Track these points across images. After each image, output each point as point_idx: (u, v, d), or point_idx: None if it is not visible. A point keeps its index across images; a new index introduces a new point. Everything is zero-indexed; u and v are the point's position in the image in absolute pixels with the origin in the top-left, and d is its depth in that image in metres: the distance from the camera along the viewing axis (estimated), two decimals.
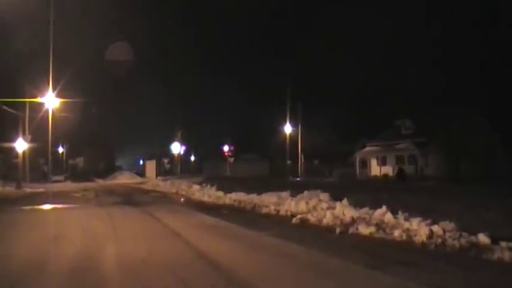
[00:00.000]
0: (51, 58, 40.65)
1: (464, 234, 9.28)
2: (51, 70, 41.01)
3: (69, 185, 48.14)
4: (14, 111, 44.80)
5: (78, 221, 15.07)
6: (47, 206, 21.15)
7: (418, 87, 46.77)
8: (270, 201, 17.98)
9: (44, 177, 59.86)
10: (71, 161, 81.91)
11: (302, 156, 61.10)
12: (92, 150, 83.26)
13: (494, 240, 8.63)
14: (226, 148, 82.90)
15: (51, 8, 40.62)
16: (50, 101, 43.45)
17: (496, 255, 7.99)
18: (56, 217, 17.11)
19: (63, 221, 15.23)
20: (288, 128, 60.99)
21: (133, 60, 53.72)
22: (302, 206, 15.31)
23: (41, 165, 66.18)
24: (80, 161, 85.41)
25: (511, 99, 37.74)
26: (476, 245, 8.74)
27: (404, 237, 10.04)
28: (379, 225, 11.33)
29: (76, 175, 72.40)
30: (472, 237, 9.04)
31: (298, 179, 52.29)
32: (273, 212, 16.21)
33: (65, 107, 47.11)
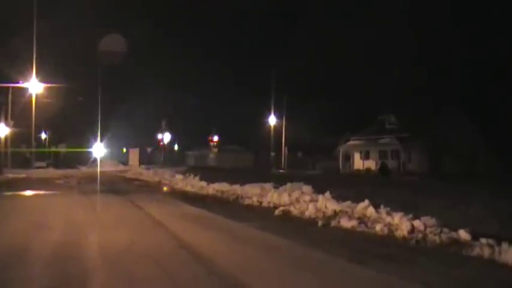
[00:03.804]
0: (34, 42, 40.27)
1: (445, 230, 9.36)
2: (34, 55, 40.65)
3: (51, 172, 47.76)
4: None
5: (60, 208, 14.97)
6: (28, 192, 20.99)
7: (402, 84, 46.96)
8: (253, 193, 17.99)
9: (26, 163, 59.31)
10: (53, 148, 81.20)
11: (286, 148, 61.17)
12: (75, 138, 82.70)
13: (475, 237, 8.71)
14: (216, 138, 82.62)
15: None
16: (34, 86, 43.05)
17: (476, 251, 8.06)
18: (38, 204, 16.98)
19: (45, 208, 15.14)
20: (272, 120, 60.97)
21: (124, 51, 53.18)
22: (285, 198, 15.34)
23: (23, 152, 65.60)
24: (62, 147, 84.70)
25: (496, 99, 38.00)
26: (456, 241, 8.82)
27: (386, 231, 10.10)
28: (361, 219, 11.39)
29: (59, 162, 71.82)
30: (453, 233, 9.12)
31: (281, 170, 52.34)
32: (256, 204, 16.23)
33: (50, 92, 46.70)
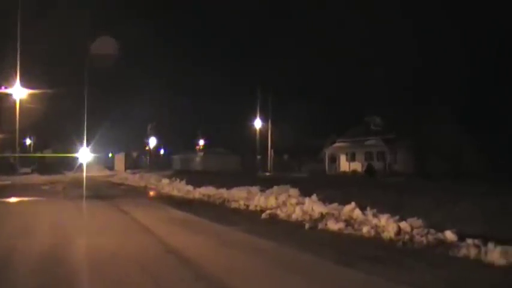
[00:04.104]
0: (18, 47, 39.91)
1: (432, 231, 9.41)
2: (18, 60, 40.29)
3: (36, 178, 47.29)
4: None
5: (46, 214, 14.85)
6: (13, 199, 20.78)
7: (387, 84, 47.19)
8: (239, 196, 17.96)
9: (11, 169, 58.79)
10: (38, 153, 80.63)
11: (272, 151, 61.18)
12: (59, 143, 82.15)
13: (461, 237, 8.75)
14: (201, 142, 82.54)
15: None
16: (18, 91, 42.71)
17: (462, 252, 8.11)
18: (23, 210, 16.81)
19: (30, 214, 15.00)
20: (258, 123, 60.97)
21: (113, 54, 52.86)
22: (271, 201, 15.33)
23: (8, 157, 65.04)
24: (48, 153, 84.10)
25: (482, 99, 38.27)
26: (443, 242, 8.86)
27: (372, 233, 10.13)
28: (348, 221, 11.41)
29: (44, 167, 71.27)
30: (439, 234, 9.16)
31: (267, 173, 52.34)
32: (243, 207, 16.21)
33: (34, 97, 46.36)
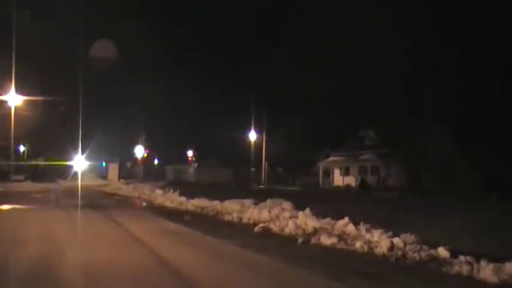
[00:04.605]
0: (13, 53, 39.80)
1: (425, 247, 9.40)
2: (13, 66, 40.14)
3: (29, 185, 47.08)
4: None
5: (37, 224, 14.77)
6: (5, 207, 20.69)
7: (382, 98, 47.22)
8: (232, 209, 17.92)
9: (4, 177, 58.56)
10: (32, 161, 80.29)
11: (266, 163, 61.15)
12: (53, 151, 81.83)
13: (453, 254, 8.74)
14: (190, 153, 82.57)
15: None
16: (13, 99, 42.61)
17: (455, 269, 8.10)
18: (14, 219, 16.74)
19: (22, 223, 14.93)
20: (252, 135, 60.99)
21: (108, 59, 52.67)
22: (265, 215, 15.29)
23: (1, 165, 64.85)
24: (41, 161, 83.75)
25: (473, 112, 38.38)
26: (435, 258, 8.86)
27: (365, 248, 10.11)
28: (341, 236, 11.39)
29: (37, 175, 70.97)
30: (432, 251, 9.15)
31: (261, 186, 52.27)
32: (236, 220, 16.16)
33: (29, 105, 46.28)
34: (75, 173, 60.04)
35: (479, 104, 37.60)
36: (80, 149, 49.97)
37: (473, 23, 37.86)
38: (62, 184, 53.49)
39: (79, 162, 56.63)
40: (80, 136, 45.10)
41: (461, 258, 8.39)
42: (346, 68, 56.12)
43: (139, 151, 75.52)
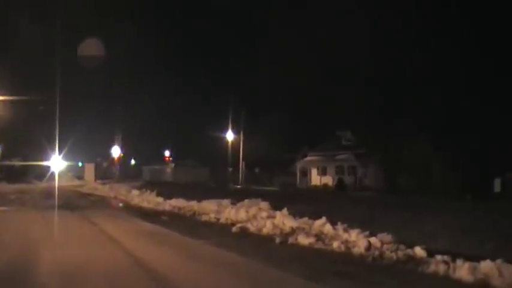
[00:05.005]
0: None
1: (401, 246, 9.43)
2: None
3: (4, 187, 46.51)
4: None
5: (12, 225, 14.62)
6: None
7: (358, 99, 47.50)
8: (210, 209, 17.86)
9: None
10: (7, 161, 79.24)
11: (243, 163, 61.11)
12: (29, 151, 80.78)
13: (430, 253, 8.79)
14: (167, 153, 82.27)
15: None
16: None
17: (432, 268, 8.14)
18: None
19: None
20: (230, 135, 60.92)
21: (84, 63, 52.02)
22: (242, 215, 15.26)
23: None
24: (16, 161, 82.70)
25: (452, 115, 38.91)
26: (412, 258, 8.90)
27: (343, 248, 10.13)
28: (319, 236, 11.40)
29: (12, 176, 70.04)
30: (409, 250, 9.19)
31: (238, 186, 52.20)
32: (213, 220, 16.10)
33: (2, 104, 45.65)
34: (52, 174, 59.41)
35: (456, 108, 38.13)
36: (57, 149, 49.36)
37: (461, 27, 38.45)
38: (38, 185, 52.86)
39: (56, 163, 55.95)
40: (57, 136, 44.53)
41: (438, 257, 8.43)
42: (324, 69, 56.30)
43: (116, 151, 75.00)
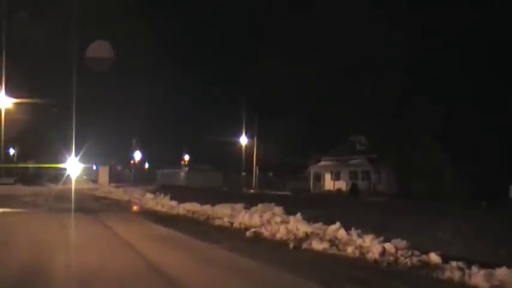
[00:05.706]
0: (3, 56, 39.54)
1: (416, 252, 9.37)
2: (3, 68, 39.90)
3: (19, 189, 46.82)
4: None
5: (26, 228, 14.67)
6: None
7: (373, 105, 47.39)
8: (223, 213, 17.85)
9: None
10: (22, 164, 79.75)
11: (257, 168, 61.15)
12: (44, 154, 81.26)
13: (445, 259, 8.74)
14: (187, 157, 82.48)
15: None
16: (2, 100, 42.38)
17: (447, 274, 8.09)
18: (2, 222, 16.64)
19: (10, 227, 14.82)
20: (243, 140, 61.00)
21: (104, 60, 52.19)
22: (256, 219, 15.23)
23: None
24: (32, 163, 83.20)
25: (462, 119, 38.69)
26: (427, 264, 8.84)
27: (357, 254, 10.09)
28: (333, 241, 11.36)
29: (27, 178, 70.48)
30: (423, 256, 9.13)
31: (252, 191, 52.23)
32: (227, 224, 16.09)
33: (20, 107, 46.04)
34: (68, 176, 59.66)
35: (469, 114, 37.93)
36: (73, 152, 49.60)
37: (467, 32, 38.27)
38: (53, 188, 53.13)
39: (72, 165, 56.22)
40: (74, 139, 44.81)
41: (453, 263, 8.38)
42: (338, 74, 56.29)
43: (136, 155, 75.37)
